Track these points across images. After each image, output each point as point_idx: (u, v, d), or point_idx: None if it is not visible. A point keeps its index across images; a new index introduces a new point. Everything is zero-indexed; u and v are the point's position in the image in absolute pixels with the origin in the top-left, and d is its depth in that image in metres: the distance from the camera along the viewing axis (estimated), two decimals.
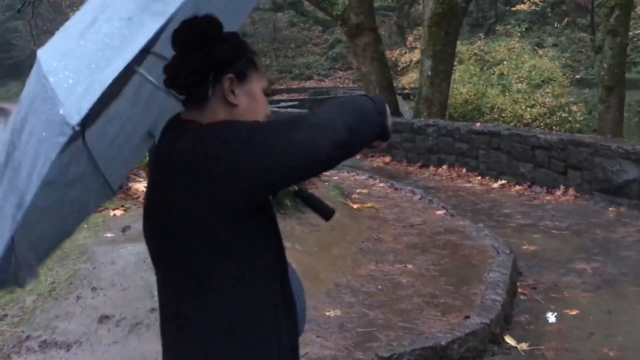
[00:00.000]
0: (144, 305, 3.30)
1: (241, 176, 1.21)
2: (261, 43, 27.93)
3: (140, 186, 4.43)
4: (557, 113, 15.30)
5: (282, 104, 18.29)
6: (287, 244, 4.32)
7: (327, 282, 4.07)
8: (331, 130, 1.23)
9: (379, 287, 4.09)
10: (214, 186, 1.22)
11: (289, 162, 1.22)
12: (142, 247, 2.80)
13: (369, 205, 6.40)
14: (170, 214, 1.28)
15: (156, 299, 1.45)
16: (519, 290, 4.37)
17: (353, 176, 8.44)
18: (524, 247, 5.39)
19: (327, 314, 3.61)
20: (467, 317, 3.55)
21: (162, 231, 1.32)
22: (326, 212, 1.45)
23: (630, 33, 13.76)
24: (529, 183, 7.81)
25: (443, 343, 3.21)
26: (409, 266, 4.53)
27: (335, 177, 7.71)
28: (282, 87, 25.43)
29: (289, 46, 29.23)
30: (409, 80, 19.37)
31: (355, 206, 6.21)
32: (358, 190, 7.16)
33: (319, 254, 4.47)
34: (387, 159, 10.34)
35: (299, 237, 4.53)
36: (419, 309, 3.74)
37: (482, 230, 5.43)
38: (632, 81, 16.96)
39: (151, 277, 1.66)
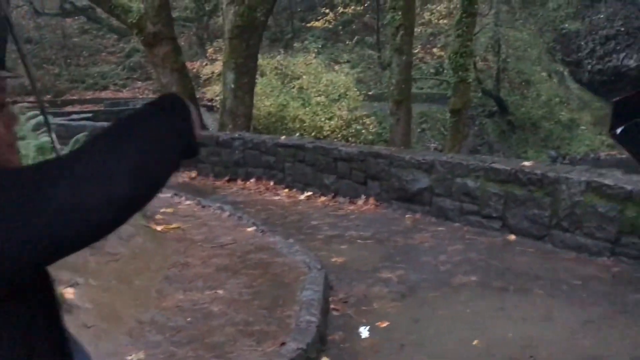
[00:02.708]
0: None
1: None
2: (48, 50, 25.57)
3: None
4: (353, 125, 16.20)
5: (74, 116, 16.86)
6: (79, 279, 3.77)
7: (129, 320, 3.63)
8: (107, 181, 0.84)
9: (188, 319, 3.75)
10: None
11: (34, 240, 0.79)
12: None
13: (174, 226, 5.99)
14: None
15: None
16: (332, 306, 4.34)
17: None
18: (333, 260, 5.44)
19: (129, 358, 3.18)
20: (283, 343, 3.38)
21: None
22: None
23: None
24: (333, 194, 8.02)
25: None
26: (220, 292, 4.25)
27: None
28: (75, 97, 23.54)
29: (81, 54, 27.16)
30: (213, 92, 19.12)
31: (159, 228, 5.77)
32: (162, 210, 6.68)
33: (118, 287, 3.99)
34: (193, 173, 9.94)
35: (93, 269, 4.00)
36: (233, 340, 3.49)
37: (293, 246, 5.36)
38: (414, 95, 18.65)
39: None
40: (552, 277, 4.99)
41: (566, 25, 18.18)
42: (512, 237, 6.08)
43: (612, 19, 16.76)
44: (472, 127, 18.52)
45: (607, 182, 5.47)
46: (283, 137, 9.78)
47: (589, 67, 17.58)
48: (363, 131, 16.42)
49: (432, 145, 18.44)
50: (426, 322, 4.12)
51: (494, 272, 5.13)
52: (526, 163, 6.41)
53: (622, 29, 16.49)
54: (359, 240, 6.11)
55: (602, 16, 17.05)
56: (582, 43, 17.71)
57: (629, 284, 4.75)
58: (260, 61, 14.15)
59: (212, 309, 3.95)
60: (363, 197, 7.62)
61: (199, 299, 4.09)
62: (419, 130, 20.47)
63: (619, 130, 4.58)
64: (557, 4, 18.51)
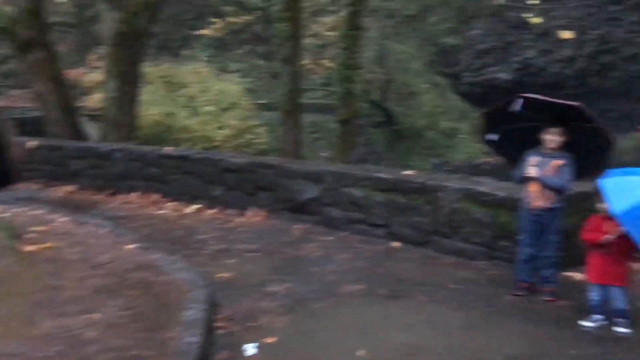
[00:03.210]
0: None
1: None
2: None
3: None
4: (244, 135, 16.06)
5: None
6: None
7: None
8: None
9: (58, 348, 3.46)
10: None
11: None
12: None
13: (47, 245, 5.56)
14: None
15: None
16: (218, 324, 4.20)
17: (29, 211, 7.33)
18: (220, 275, 5.29)
19: None
20: None
21: None
22: None
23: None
24: (221, 206, 7.84)
25: None
26: (96, 315, 3.98)
27: (6, 214, 6.59)
28: None
29: None
30: (95, 101, 18.17)
31: (29, 248, 5.33)
32: (34, 229, 6.19)
33: None
34: (72, 187, 9.34)
35: None
36: None
37: (177, 263, 5.15)
38: (305, 105, 18.83)
39: None
40: (434, 283, 5.17)
41: (446, 39, 19.19)
42: (397, 244, 6.24)
43: (486, 35, 17.93)
44: (361, 137, 19.02)
45: (482, 189, 5.77)
46: (168, 148, 9.46)
47: (466, 79, 18.66)
48: (255, 141, 16.32)
49: (324, 154, 18.71)
50: (313, 335, 4.09)
51: (380, 280, 5.22)
52: (408, 172, 6.63)
53: (495, 44, 17.68)
54: (247, 253, 6.01)
55: (477, 32, 18.19)
56: (460, 57, 18.78)
57: (503, 286, 5.02)
58: (146, 69, 13.66)
59: (86, 335, 3.68)
60: (252, 208, 7.52)
61: (72, 325, 3.79)
62: (309, 139, 20.66)
63: (489, 137, 4.83)
64: (436, 20, 19.50)
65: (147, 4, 10.71)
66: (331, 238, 6.53)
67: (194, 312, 3.95)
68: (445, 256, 5.84)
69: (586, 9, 15.50)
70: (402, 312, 4.53)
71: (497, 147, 5.16)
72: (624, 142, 15.16)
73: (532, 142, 4.76)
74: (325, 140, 18.67)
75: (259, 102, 19.38)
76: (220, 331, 4.12)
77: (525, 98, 4.67)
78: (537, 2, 12.52)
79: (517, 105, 4.67)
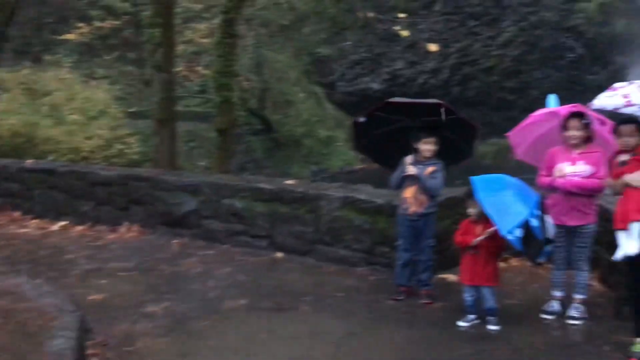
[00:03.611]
0: None
1: None
2: None
3: None
4: (115, 145, 15.24)
5: None
6: None
7: None
8: None
9: None
10: None
11: None
12: None
13: None
14: None
15: None
16: (90, 351, 3.88)
17: None
18: (92, 297, 4.93)
19: None
20: None
21: None
22: None
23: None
24: (91, 222, 7.36)
25: None
26: None
27: None
28: None
29: None
30: None
31: None
32: None
33: None
34: None
35: None
36: None
37: (41, 287, 4.70)
38: (180, 113, 18.30)
39: None
40: (317, 292, 5.17)
41: (320, 50, 19.57)
42: (280, 255, 6.19)
43: (358, 46, 18.52)
44: (240, 145, 18.82)
45: (360, 197, 5.88)
46: (30, 160, 8.72)
47: (341, 89, 19.15)
48: (126, 151, 15.54)
49: (201, 164, 18.27)
50: (196, 356, 3.91)
51: (264, 293, 5.13)
52: (289, 182, 6.62)
53: (366, 55, 18.31)
54: (121, 273, 5.65)
55: (349, 43, 18.75)
56: (334, 67, 19.23)
57: (384, 291, 5.13)
58: (2, 75, 12.55)
59: None
60: (125, 224, 7.12)
61: None
62: (186, 149, 20.09)
63: (359, 143, 4.94)
64: (310, 30, 19.83)
65: (2, 5, 9.84)
66: (212, 252, 6.34)
67: (62, 341, 3.60)
68: (328, 264, 5.87)
69: (449, 23, 16.52)
70: (287, 325, 4.47)
71: (370, 152, 5.38)
72: (484, 147, 16.32)
73: (403, 144, 4.93)
74: (203, 149, 18.26)
75: (130, 110, 18.54)
76: (94, 359, 3.81)
77: (392, 103, 4.89)
78: (404, 15, 13.11)
79: (362, 119, 4.95)
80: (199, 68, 19.95)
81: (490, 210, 4.07)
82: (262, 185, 6.52)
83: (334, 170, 17.49)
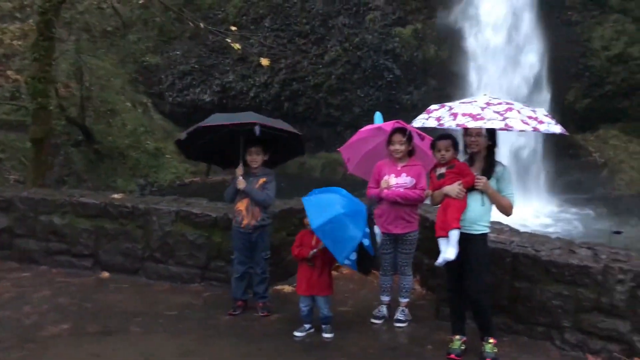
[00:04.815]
0: None
1: None
2: None
3: None
4: None
5: None
6: None
7: None
8: None
9: None
10: None
11: None
12: None
13: None
14: None
15: None
16: None
17: None
18: None
19: None
20: None
21: None
22: None
23: None
24: None
25: None
26: None
27: None
28: None
29: None
30: None
31: None
32: None
33: None
34: None
35: None
36: None
37: None
38: None
39: None
40: (149, 312, 4.92)
41: (147, 58, 18.83)
42: (106, 274, 5.81)
43: (187, 56, 18.13)
44: (58, 157, 17.37)
45: (194, 210, 5.73)
46: None
47: (170, 99, 18.58)
48: None
49: (12, 177, 16.53)
50: None
51: (89, 316, 4.76)
52: (116, 196, 6.24)
53: (197, 66, 18.00)
54: None
55: (178, 53, 18.28)
56: (163, 76, 18.62)
57: (219, 307, 5.04)
58: None
59: None
60: None
61: None
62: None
63: (189, 155, 4.81)
64: (137, 38, 19.01)
65: None
66: (27, 274, 5.75)
67: None
68: (160, 282, 5.63)
69: (278, 39, 16.88)
70: (115, 349, 4.19)
71: (203, 159, 5.26)
72: (313, 161, 16.88)
73: (236, 144, 4.87)
74: (15, 161, 16.55)
75: None
76: None
77: (208, 126, 4.74)
78: (235, 29, 13.17)
79: (183, 136, 4.80)
80: (10, 72, 18.11)
81: (325, 241, 4.13)
82: (85, 199, 6.07)
83: (163, 184, 16.89)
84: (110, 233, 5.87)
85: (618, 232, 8.56)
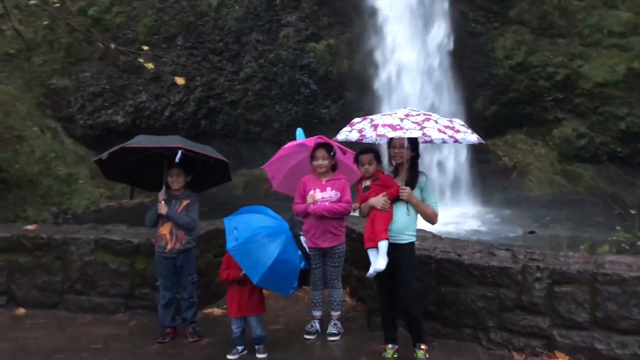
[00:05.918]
0: None
1: None
2: None
3: None
4: None
5: None
6: None
7: None
8: None
9: None
10: None
11: None
12: None
13: None
14: None
15: None
16: None
17: None
18: None
19: None
20: None
21: None
22: None
23: None
24: None
25: None
26: None
27: None
28: None
29: None
30: None
31: None
32: None
33: None
34: None
35: None
36: None
37: None
38: None
39: None
40: (71, 347, 4.68)
41: (54, 81, 18.03)
42: (22, 310, 5.48)
43: (97, 78, 17.51)
44: None
45: (114, 237, 5.52)
46: None
47: (82, 122, 17.85)
48: None
49: None
50: None
51: (6, 358, 4.45)
52: (29, 227, 5.91)
53: (108, 87, 17.41)
54: None
55: (87, 74, 17.61)
56: (72, 99, 17.87)
57: (147, 336, 4.86)
58: None
59: None
60: None
61: None
62: None
63: (109, 175, 4.66)
64: (42, 60, 18.18)
65: None
66: None
67: None
68: (82, 314, 5.37)
69: (192, 57, 16.65)
70: None
71: (125, 179, 5.08)
72: (235, 178, 16.69)
73: (159, 166, 4.75)
74: None
75: None
76: None
77: (129, 148, 4.62)
78: (147, 48, 12.89)
79: (104, 156, 4.63)
80: None
81: (241, 261, 4.08)
82: None
83: (78, 210, 16.16)
84: (25, 267, 5.55)
85: (532, 232, 9.05)
